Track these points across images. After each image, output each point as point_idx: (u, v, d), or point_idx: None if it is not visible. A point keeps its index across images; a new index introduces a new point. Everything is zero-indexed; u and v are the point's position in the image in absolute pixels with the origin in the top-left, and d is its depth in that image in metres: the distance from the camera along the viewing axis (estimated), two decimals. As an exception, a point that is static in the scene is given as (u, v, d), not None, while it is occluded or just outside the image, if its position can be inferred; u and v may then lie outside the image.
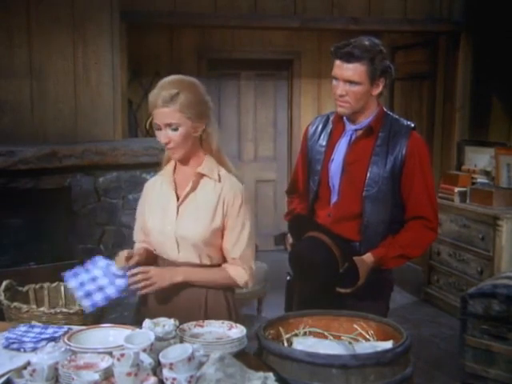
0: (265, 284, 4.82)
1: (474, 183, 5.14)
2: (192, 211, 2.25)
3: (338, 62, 2.50)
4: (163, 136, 2.20)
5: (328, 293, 2.45)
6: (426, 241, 2.69)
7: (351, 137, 2.61)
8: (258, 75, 7.17)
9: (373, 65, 2.46)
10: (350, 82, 2.48)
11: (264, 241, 6.60)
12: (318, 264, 2.42)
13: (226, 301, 2.32)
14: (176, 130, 2.18)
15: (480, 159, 5.30)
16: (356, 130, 2.60)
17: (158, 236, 2.30)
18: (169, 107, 2.15)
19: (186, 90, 2.18)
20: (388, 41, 6.66)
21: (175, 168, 2.33)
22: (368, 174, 2.53)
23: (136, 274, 2.17)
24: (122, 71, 4.63)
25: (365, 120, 2.58)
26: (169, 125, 2.18)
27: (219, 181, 2.26)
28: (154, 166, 2.51)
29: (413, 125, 2.62)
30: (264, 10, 5.17)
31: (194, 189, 2.26)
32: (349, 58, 2.46)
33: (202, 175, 2.26)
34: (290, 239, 2.76)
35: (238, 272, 2.28)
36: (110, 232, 4.33)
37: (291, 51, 6.89)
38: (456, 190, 5.08)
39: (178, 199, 2.28)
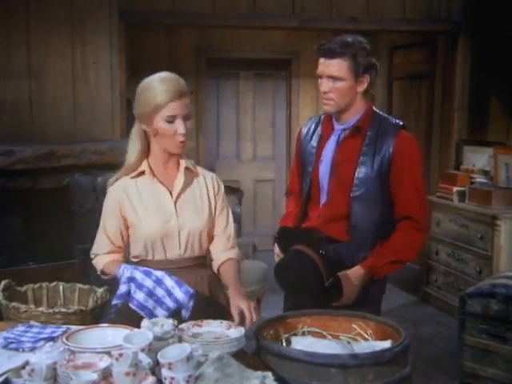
0: (263, 284, 4.82)
1: (472, 183, 5.13)
2: (190, 205, 2.32)
3: (321, 60, 2.53)
4: (182, 127, 2.22)
5: (316, 303, 2.45)
6: (415, 242, 2.60)
7: (339, 137, 2.61)
8: (256, 75, 7.17)
9: (355, 60, 2.46)
10: (334, 79, 2.49)
11: (263, 240, 6.60)
12: (302, 278, 2.42)
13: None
14: (188, 120, 2.26)
15: (479, 159, 5.30)
16: (344, 130, 2.60)
17: (157, 236, 2.29)
18: (187, 97, 2.23)
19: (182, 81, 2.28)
20: (386, 41, 6.66)
21: (151, 168, 2.34)
22: (356, 175, 2.52)
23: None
24: (121, 71, 4.63)
25: (352, 119, 2.57)
26: (186, 116, 2.24)
27: (198, 174, 2.39)
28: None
29: (401, 123, 2.60)
30: (263, 10, 5.17)
31: (187, 184, 2.33)
32: (331, 54, 2.48)
33: (188, 170, 2.34)
34: (277, 249, 2.78)
35: (236, 252, 2.44)
36: (108, 232, 4.32)
37: (290, 51, 6.90)
38: (455, 189, 5.08)
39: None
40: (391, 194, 2.54)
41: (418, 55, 6.23)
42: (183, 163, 2.33)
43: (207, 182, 2.39)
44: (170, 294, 2.09)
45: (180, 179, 2.32)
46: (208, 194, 2.37)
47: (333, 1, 5.26)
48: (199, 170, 2.41)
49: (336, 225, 2.55)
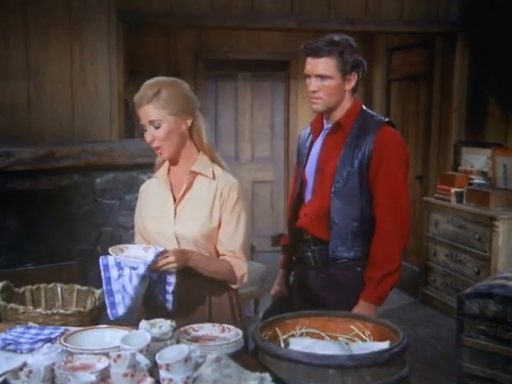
0: (262, 285, 4.82)
1: (470, 184, 5.14)
2: (189, 211, 2.27)
3: (308, 59, 2.51)
4: (148, 135, 2.25)
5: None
6: (393, 251, 2.50)
7: (326, 135, 2.62)
8: (254, 76, 7.17)
9: (342, 58, 2.46)
10: (322, 77, 2.47)
11: (261, 242, 6.61)
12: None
13: (230, 301, 2.34)
14: (158, 127, 2.22)
15: (476, 160, 5.31)
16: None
17: (157, 237, 2.29)
18: (151, 104, 2.21)
19: (167, 86, 2.23)
20: (384, 42, 6.67)
21: (169, 169, 2.36)
22: (337, 170, 2.51)
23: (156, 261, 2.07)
24: (119, 72, 4.64)
25: (338, 117, 2.57)
26: (151, 122, 2.22)
27: (214, 178, 2.28)
28: (151, 167, 2.52)
29: (387, 120, 2.59)
30: (261, 11, 5.17)
31: (188, 188, 2.29)
32: (318, 52, 2.46)
33: (196, 174, 2.29)
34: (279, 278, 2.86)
35: (239, 263, 2.29)
36: (106, 233, 4.33)
37: (288, 52, 6.90)
38: (453, 190, 5.09)
39: (174, 200, 2.30)
40: (370, 191, 2.51)
41: (416, 56, 6.23)
42: (193, 166, 2.28)
43: (218, 189, 2.26)
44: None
45: (183, 184, 2.30)
46: (213, 202, 2.26)
47: (331, 2, 5.27)
48: (218, 174, 2.29)
49: (320, 223, 2.55)
